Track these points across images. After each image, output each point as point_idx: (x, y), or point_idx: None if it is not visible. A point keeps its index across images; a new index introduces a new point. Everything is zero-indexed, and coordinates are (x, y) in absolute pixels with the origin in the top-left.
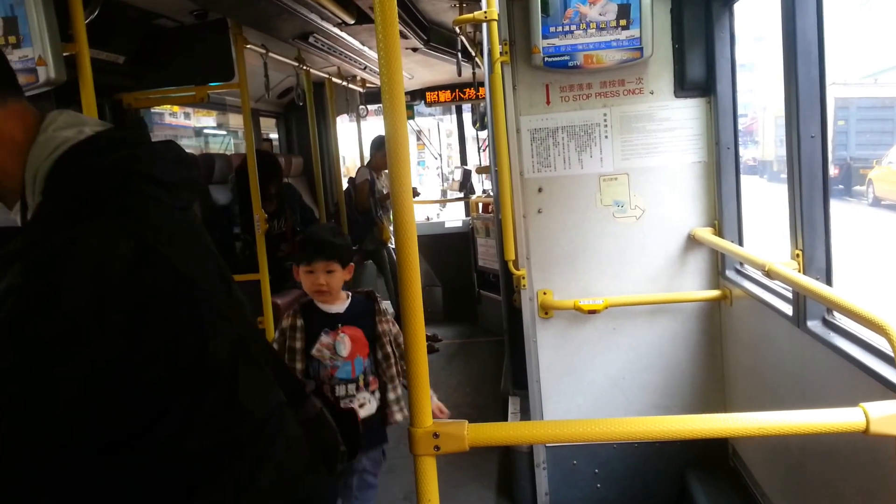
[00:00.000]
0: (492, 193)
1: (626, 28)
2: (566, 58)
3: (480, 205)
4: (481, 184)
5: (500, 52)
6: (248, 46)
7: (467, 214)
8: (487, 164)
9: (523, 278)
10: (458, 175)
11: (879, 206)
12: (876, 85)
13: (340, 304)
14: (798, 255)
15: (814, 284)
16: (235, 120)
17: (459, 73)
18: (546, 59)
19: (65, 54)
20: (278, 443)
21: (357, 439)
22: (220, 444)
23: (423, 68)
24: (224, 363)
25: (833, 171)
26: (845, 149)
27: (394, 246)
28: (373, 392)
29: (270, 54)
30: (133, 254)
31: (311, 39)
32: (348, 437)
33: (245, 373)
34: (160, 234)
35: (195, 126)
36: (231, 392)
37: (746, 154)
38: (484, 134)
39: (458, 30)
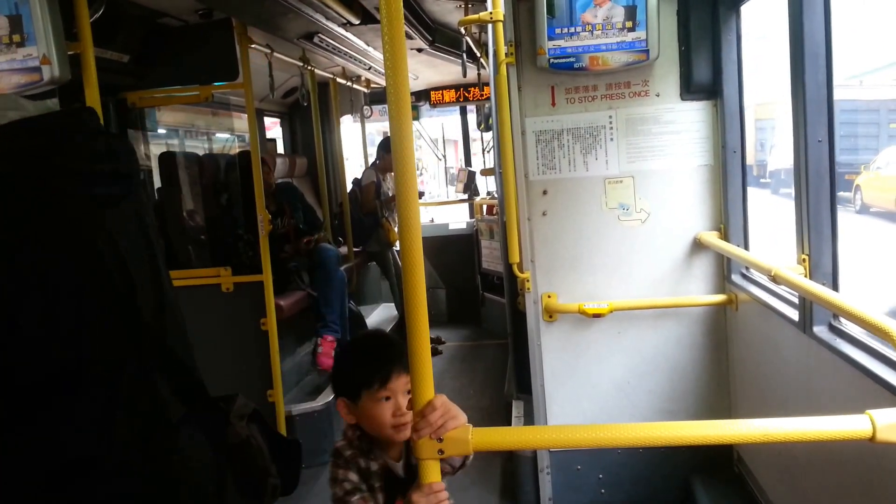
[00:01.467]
0: (496, 195)
1: (632, 30)
2: (572, 59)
3: (485, 207)
4: (486, 185)
5: (506, 54)
6: (253, 46)
7: (471, 216)
8: (490, 165)
9: (528, 281)
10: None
11: (868, 213)
12: (861, 87)
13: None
14: (804, 260)
15: (820, 290)
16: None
17: (464, 74)
18: (551, 60)
19: (69, 53)
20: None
21: (298, 473)
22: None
23: (427, 69)
24: (94, 374)
25: None
26: None
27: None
28: None
29: (275, 54)
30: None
31: (315, 39)
32: (287, 469)
33: (127, 387)
34: (42, 225)
35: None
36: (74, 409)
37: None
38: (488, 135)
39: (463, 30)
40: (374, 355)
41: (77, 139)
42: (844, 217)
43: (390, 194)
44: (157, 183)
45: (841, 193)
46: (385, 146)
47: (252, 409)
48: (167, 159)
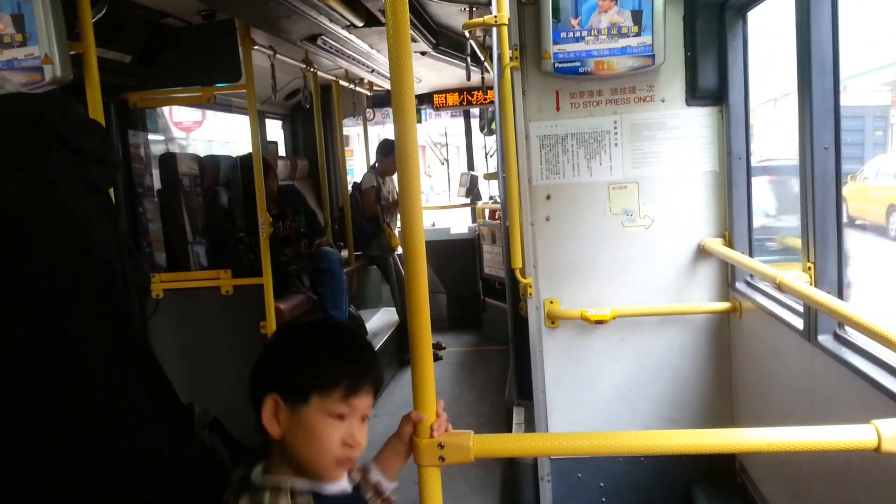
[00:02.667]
0: (499, 200)
1: (637, 35)
2: (577, 64)
3: (487, 211)
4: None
5: (510, 58)
6: (256, 48)
7: (473, 221)
8: (492, 169)
9: (530, 287)
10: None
11: (853, 226)
12: (846, 92)
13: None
14: (810, 268)
15: (825, 298)
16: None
17: (468, 78)
18: (556, 64)
19: (71, 53)
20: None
21: None
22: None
23: (431, 72)
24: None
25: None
26: None
27: (400, 252)
28: None
29: (278, 56)
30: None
31: (319, 42)
32: None
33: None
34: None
35: None
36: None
37: None
38: (491, 139)
39: (467, 34)
40: (350, 351)
41: (72, 118)
42: None
43: (391, 198)
44: (157, 184)
45: None
46: (384, 149)
47: (212, 418)
48: (167, 160)
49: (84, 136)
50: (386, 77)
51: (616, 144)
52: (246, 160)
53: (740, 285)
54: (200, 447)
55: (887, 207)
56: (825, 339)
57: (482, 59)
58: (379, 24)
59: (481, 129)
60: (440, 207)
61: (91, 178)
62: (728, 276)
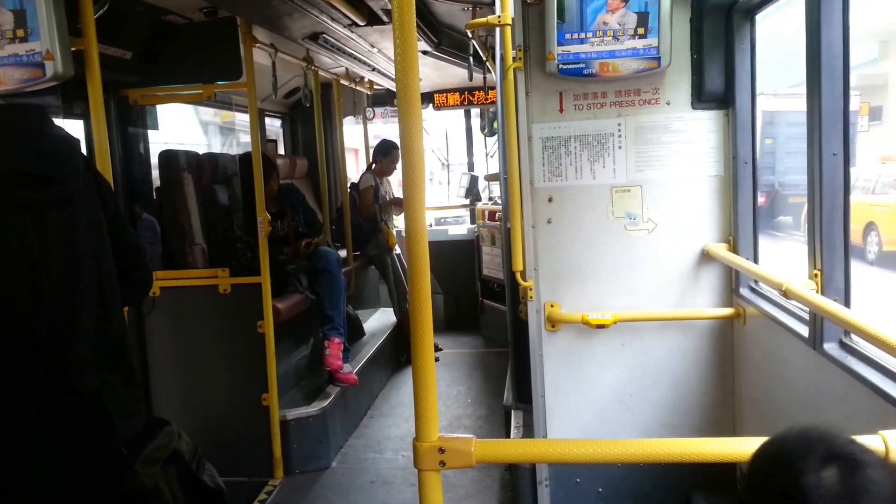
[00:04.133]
0: (499, 201)
1: (643, 37)
2: (581, 65)
3: (487, 212)
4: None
5: (514, 58)
6: (257, 45)
7: (473, 222)
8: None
9: (530, 290)
10: None
11: None
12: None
13: None
14: (816, 276)
15: (832, 306)
16: None
17: (470, 78)
18: (561, 66)
19: (72, 49)
20: None
21: None
22: None
23: (432, 71)
24: None
25: (759, 199)
26: (773, 173)
27: (398, 252)
28: None
29: (279, 54)
30: None
31: (320, 40)
32: None
33: None
34: None
35: None
36: None
37: None
38: (491, 140)
39: (469, 34)
40: None
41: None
42: (788, 247)
43: (388, 198)
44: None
45: (782, 218)
46: (382, 150)
47: (171, 451)
48: (166, 158)
49: (6, 155)
50: (386, 76)
51: (620, 147)
52: (246, 159)
53: (744, 291)
54: (141, 487)
55: (864, 226)
56: (831, 347)
57: (484, 58)
58: (381, 22)
59: (482, 129)
60: (439, 208)
61: (18, 197)
62: (732, 282)
